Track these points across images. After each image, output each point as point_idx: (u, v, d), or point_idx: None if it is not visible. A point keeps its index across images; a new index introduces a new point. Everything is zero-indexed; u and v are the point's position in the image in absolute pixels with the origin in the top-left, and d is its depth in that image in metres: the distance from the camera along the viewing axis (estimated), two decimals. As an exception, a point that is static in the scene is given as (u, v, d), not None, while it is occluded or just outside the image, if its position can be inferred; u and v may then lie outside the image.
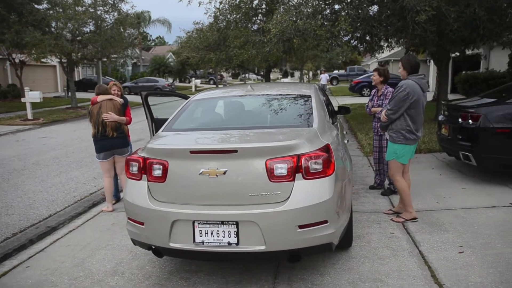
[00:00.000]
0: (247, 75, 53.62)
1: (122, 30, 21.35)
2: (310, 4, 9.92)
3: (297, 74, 63.66)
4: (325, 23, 9.42)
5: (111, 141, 5.72)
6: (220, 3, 13.49)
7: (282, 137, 3.47)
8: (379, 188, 6.23)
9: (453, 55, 11.47)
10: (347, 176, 3.81)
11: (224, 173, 3.22)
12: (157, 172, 3.41)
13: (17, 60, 24.45)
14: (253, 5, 13.08)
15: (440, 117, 7.17)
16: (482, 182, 6.23)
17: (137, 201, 3.47)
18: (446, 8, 8.23)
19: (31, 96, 17.24)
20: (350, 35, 9.99)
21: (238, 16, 12.80)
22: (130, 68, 53.01)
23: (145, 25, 52.66)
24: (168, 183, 3.37)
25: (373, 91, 6.24)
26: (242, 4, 12.52)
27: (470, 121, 6.03)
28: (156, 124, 6.49)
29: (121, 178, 6.03)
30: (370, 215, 5.21)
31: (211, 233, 3.23)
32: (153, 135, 6.48)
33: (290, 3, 11.26)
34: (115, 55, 22.96)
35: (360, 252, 4.19)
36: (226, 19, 13.21)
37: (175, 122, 4.18)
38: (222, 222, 3.20)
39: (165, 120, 6.24)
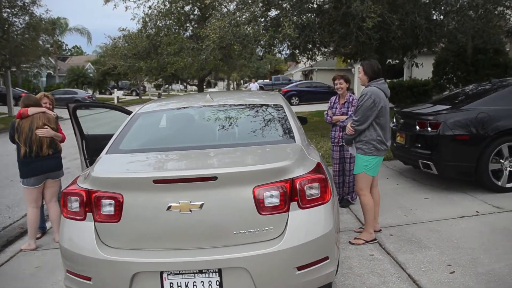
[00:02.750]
0: (171, 86, 52.10)
1: (35, 36, 19.37)
2: (246, 10, 9.45)
3: (220, 84, 63.29)
4: (268, 29, 8.96)
5: (45, 162, 4.70)
6: (150, 8, 12.59)
7: (269, 158, 2.85)
8: (340, 202, 5.83)
9: (393, 62, 11.68)
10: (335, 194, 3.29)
11: (201, 206, 2.52)
12: (108, 209, 2.61)
13: None
14: (185, 11, 12.36)
15: (393, 125, 6.99)
16: (442, 191, 6.08)
17: (80, 249, 2.64)
18: (388, 16, 8.18)
19: None
20: (292, 43, 9.65)
21: (169, 22, 11.98)
22: (44, 79, 49.09)
23: (61, 32, 49.18)
24: (124, 224, 2.59)
25: (333, 98, 5.84)
26: (173, 9, 11.74)
27: (429, 128, 5.85)
28: (87, 142, 5.55)
29: (49, 207, 5.00)
30: (341, 236, 4.74)
31: (186, 287, 2.51)
32: (84, 156, 5.51)
33: (225, 9, 10.71)
34: (26, 65, 20.79)
35: (345, 282, 3.67)
36: (156, 25, 12.32)
37: (123, 141, 3.37)
38: (201, 271, 2.50)
39: (99, 137, 5.34)
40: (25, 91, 35.62)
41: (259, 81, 49.45)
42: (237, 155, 2.93)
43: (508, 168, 5.72)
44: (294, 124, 3.39)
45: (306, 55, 11.05)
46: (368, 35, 8.25)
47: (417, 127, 6.08)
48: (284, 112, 3.59)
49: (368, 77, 4.32)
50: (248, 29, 8.40)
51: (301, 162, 2.76)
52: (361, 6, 7.44)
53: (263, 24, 9.07)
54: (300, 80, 37.15)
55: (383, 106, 4.17)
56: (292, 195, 2.59)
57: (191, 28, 12.51)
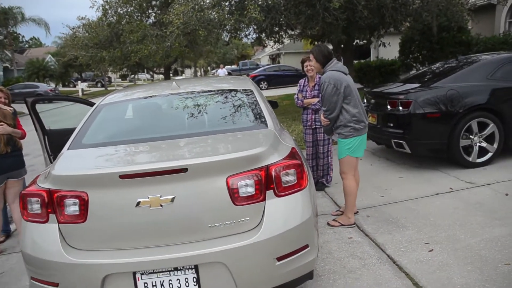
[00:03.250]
0: (137, 75, 50.83)
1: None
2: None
3: (187, 71, 62.28)
4: (233, 13, 8.73)
5: (4, 161, 4.40)
6: (109, -6, 12.06)
7: (242, 145, 2.71)
8: (316, 186, 5.77)
9: (361, 43, 11.66)
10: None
11: (172, 200, 2.36)
12: (72, 209, 2.42)
13: None
14: (146, -4, 11.92)
15: (363, 105, 6.96)
16: (415, 169, 6.12)
17: (44, 254, 2.44)
18: (354, -5, 8.10)
19: None
20: (258, 26, 9.45)
21: (131, 9, 11.52)
22: (1, 73, 46.98)
23: (15, 23, 46.90)
24: (90, 224, 2.40)
25: (302, 81, 5.73)
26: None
27: (401, 108, 5.84)
28: (50, 137, 5.26)
29: (12, 208, 4.71)
30: (319, 220, 4.69)
31: (162, 286, 2.36)
32: (48, 152, 5.22)
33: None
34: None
35: (325, 267, 3.61)
36: (117, 12, 11.83)
37: (85, 135, 3.15)
38: (176, 269, 2.35)
39: (63, 131, 5.04)
40: (-20, 87, 34.05)
41: (227, 67, 48.95)
42: (208, 144, 2.77)
43: (478, 144, 5.79)
44: (265, 109, 3.25)
45: (273, 38, 10.88)
46: (334, 15, 8.16)
47: (388, 107, 6.07)
48: (254, 97, 3.45)
49: (320, 63, 4.23)
50: (213, 14, 8.13)
51: (275, 148, 2.64)
52: (327, -14, 7.32)
53: (227, 8, 8.82)
54: (268, 65, 36.95)
55: (346, 86, 4.08)
56: (268, 183, 2.46)
57: (153, 14, 12.07)
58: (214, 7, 8.20)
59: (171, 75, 56.81)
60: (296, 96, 5.88)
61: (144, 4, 11.23)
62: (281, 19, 8.81)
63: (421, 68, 11.95)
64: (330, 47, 8.09)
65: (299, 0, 8.71)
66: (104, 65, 12.54)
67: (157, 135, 3.03)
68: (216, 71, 32.21)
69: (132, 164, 2.53)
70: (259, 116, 3.15)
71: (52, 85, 40.93)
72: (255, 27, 9.44)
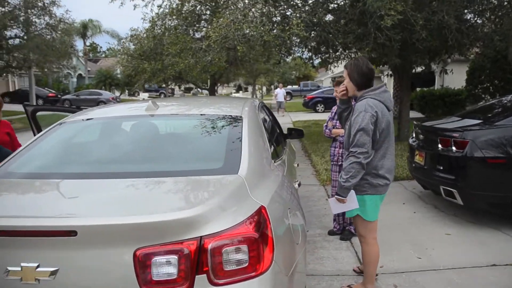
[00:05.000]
0: (199, 89, 51.80)
1: (54, 36, 19.12)
2: (258, 8, 8.53)
3: (251, 89, 62.57)
4: (275, 29, 8.02)
5: None
6: (159, 7, 11.86)
7: (174, 201, 1.89)
8: (340, 233, 4.80)
9: (419, 68, 10.46)
10: (298, 253, 2.29)
11: (53, 274, 1.60)
12: None
13: None
14: (196, 10, 11.56)
15: (412, 141, 5.88)
16: (468, 224, 4.94)
17: None
18: (412, 14, 7.06)
19: None
20: (303, 44, 8.65)
21: (177, 22, 11.21)
22: (74, 80, 49.93)
23: (94, 34, 49.80)
24: None
25: (335, 108, 4.83)
26: (183, 8, 10.97)
27: (454, 148, 4.74)
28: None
29: None
30: (332, 280, 3.73)
31: None
32: None
33: (237, 6, 9.81)
34: (54, 65, 20.58)
35: None
36: (164, 24, 11.59)
37: (18, 160, 2.51)
38: None
39: None
40: (53, 91, 36.15)
41: (288, 87, 48.35)
42: (132, 194, 1.98)
43: (555, 201, 4.53)
44: (249, 147, 2.42)
45: (320, 58, 10.00)
46: (387, 36, 7.16)
47: (439, 146, 4.97)
48: (240, 127, 2.62)
49: (355, 84, 3.08)
50: (254, 27, 7.45)
51: (228, 208, 1.80)
52: (378, 2, 6.36)
53: (270, 23, 8.11)
54: (329, 87, 35.92)
55: (385, 127, 3.00)
56: (200, 263, 1.62)
57: (201, 28, 11.71)
58: (252, 22, 7.53)
59: (233, 91, 56.97)
60: (325, 124, 4.99)
61: (189, 18, 10.86)
62: (328, 37, 7.93)
63: (489, 100, 10.50)
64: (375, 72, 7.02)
65: (350, 17, 7.82)
66: (145, 77, 12.34)
67: (90, 169, 2.33)
68: (275, 90, 31.61)
69: (12, 216, 1.78)
70: (232, 156, 2.32)
71: (117, 93, 42.62)
72: (298, 44, 8.65)
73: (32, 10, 18.20)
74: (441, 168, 4.94)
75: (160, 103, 3.14)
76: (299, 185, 3.20)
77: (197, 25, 11.67)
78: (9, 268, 1.61)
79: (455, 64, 12.93)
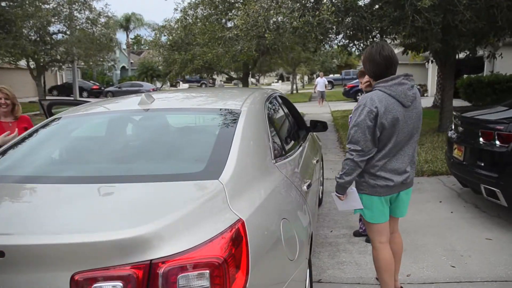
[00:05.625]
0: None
1: (95, 30, 19.53)
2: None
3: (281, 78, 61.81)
4: (306, 15, 7.58)
5: None
6: (190, -5, 11.69)
7: (124, 216, 1.61)
8: (366, 234, 4.42)
9: (462, 54, 9.66)
10: (292, 271, 1.98)
11: None
12: None
13: (-12, 64, 22.65)
14: (227, -1, 11.28)
15: (451, 133, 5.35)
16: (513, 228, 4.41)
17: None
18: (454, -7, 6.43)
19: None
20: (336, 30, 8.15)
21: (209, 11, 10.98)
22: (118, 72, 51.35)
23: (136, 27, 50.85)
24: None
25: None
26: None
27: (498, 142, 4.22)
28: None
29: None
30: (349, 291, 3.39)
31: None
32: None
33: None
34: (96, 59, 21.09)
35: None
36: (195, 14, 11.40)
37: (4, 157, 2.36)
38: None
39: None
40: (96, 84, 37.28)
41: (330, 76, 47.17)
42: (78, 205, 1.72)
43: None
44: (239, 144, 2.12)
45: (354, 45, 9.45)
46: (426, 18, 6.56)
47: (481, 139, 4.46)
48: (236, 122, 2.32)
49: (369, 74, 2.75)
50: (282, 13, 7.07)
51: (192, 224, 1.52)
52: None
53: (301, 9, 7.68)
54: (370, 75, 34.59)
55: (389, 121, 2.58)
56: None
57: (236, 17, 11.42)
58: (281, 7, 7.14)
59: (275, 81, 56.23)
60: (351, 116, 4.59)
61: (221, 6, 10.58)
62: (362, 22, 7.41)
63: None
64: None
65: (384, 0, 7.25)
66: (175, 68, 12.22)
67: (41, 172, 2.12)
68: (316, 79, 30.75)
69: None
70: (218, 157, 2.03)
71: (158, 85, 43.34)
72: (332, 32, 8.16)
73: (74, 6, 18.63)
74: (482, 164, 4.43)
75: (158, 96, 2.90)
76: (308, 186, 2.85)
77: (229, 14, 11.37)
78: None
79: (506, 48, 11.89)
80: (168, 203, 1.67)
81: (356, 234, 4.48)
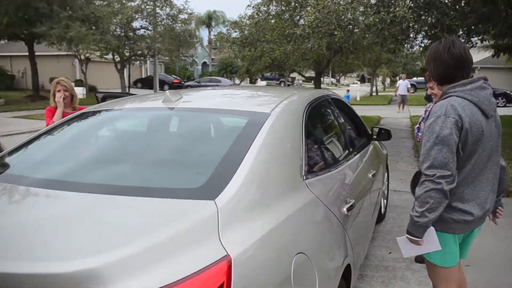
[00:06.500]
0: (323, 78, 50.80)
1: (175, 26, 20.28)
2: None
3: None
4: (380, 11, 6.99)
5: None
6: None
7: (86, 240, 1.33)
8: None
9: None
10: None
11: None
12: None
13: (82, 57, 24.53)
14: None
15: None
16: None
17: None
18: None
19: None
20: (414, 28, 7.44)
21: (282, 8, 10.68)
22: (199, 67, 53.20)
23: (218, 24, 52.23)
24: None
25: (428, 106, 3.86)
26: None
27: None
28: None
29: None
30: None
31: None
32: None
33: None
34: (180, 54, 22.00)
35: None
36: (268, 10, 11.19)
37: (19, 152, 2.26)
38: None
39: None
40: (178, 78, 38.82)
41: (413, 78, 44.54)
42: (44, 218, 1.49)
43: None
44: (255, 155, 1.78)
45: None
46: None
47: None
48: (258, 129, 1.98)
49: (432, 76, 2.24)
50: (353, 8, 6.57)
51: (164, 257, 1.24)
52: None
53: (376, 5, 7.10)
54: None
55: (473, 140, 2.04)
56: None
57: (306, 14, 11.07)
58: (352, 3, 6.63)
59: (356, 82, 54.76)
60: (417, 126, 4.05)
61: (293, 3, 10.23)
62: (444, 20, 6.65)
63: None
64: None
65: (473, -6, 6.43)
66: (244, 64, 12.10)
67: (38, 173, 1.94)
68: (398, 82, 29.04)
69: None
70: (224, 170, 1.71)
71: (237, 81, 44.13)
72: (409, 29, 7.45)
73: (156, 2, 19.47)
74: None
75: (187, 93, 2.66)
76: (349, 209, 2.39)
77: (303, 11, 11.01)
78: None
79: None
80: (144, 226, 1.39)
81: (418, 260, 3.91)
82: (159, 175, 1.85)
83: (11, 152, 2.25)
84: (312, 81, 49.74)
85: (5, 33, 18.19)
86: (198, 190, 1.60)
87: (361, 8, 6.77)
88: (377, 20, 6.74)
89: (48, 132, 2.45)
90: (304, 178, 2.04)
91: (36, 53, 21.62)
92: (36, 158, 2.23)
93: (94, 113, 2.62)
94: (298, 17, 11.19)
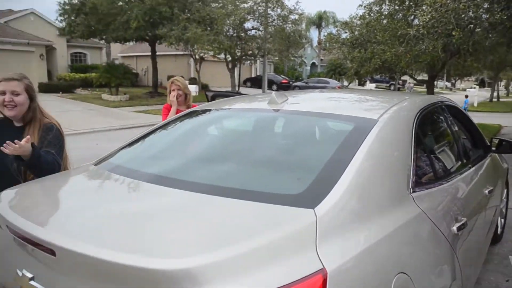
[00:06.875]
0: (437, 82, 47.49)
1: (285, 27, 20.55)
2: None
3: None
4: (510, 6, 6.26)
5: None
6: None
7: (182, 239, 1.38)
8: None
9: None
10: None
11: None
12: None
13: (197, 56, 26.18)
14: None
15: None
16: None
17: None
18: None
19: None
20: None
21: (395, 7, 10.17)
22: (308, 68, 53.26)
23: (328, 25, 51.69)
24: None
25: None
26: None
27: None
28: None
29: None
30: None
31: None
32: None
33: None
34: (289, 54, 22.35)
35: None
36: (380, 10, 10.72)
37: (133, 146, 2.47)
38: None
39: None
40: (286, 78, 39.24)
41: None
42: (151, 213, 1.57)
43: None
44: (359, 163, 1.71)
45: None
46: None
47: None
48: (364, 136, 1.90)
49: None
50: (472, 7, 5.99)
51: (256, 265, 1.24)
52: None
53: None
54: None
55: None
56: None
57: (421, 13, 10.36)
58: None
59: (474, 86, 50.18)
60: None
61: (408, 1, 9.65)
62: None
63: None
64: None
65: None
66: (354, 66, 11.69)
67: (171, 173, 2.00)
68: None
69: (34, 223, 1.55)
70: (326, 178, 1.66)
71: (346, 82, 43.23)
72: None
73: (268, 3, 19.91)
74: None
75: (292, 95, 2.67)
76: (459, 228, 2.17)
77: (418, 10, 10.38)
78: (18, 271, 1.49)
79: None
80: (241, 230, 1.41)
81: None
82: (260, 178, 1.87)
83: (126, 146, 2.47)
84: (424, 85, 46.58)
85: (133, 35, 20.12)
86: (298, 197, 1.58)
87: (486, 5, 6.12)
88: (505, 17, 6.04)
89: (159, 129, 2.64)
90: (411, 191, 1.90)
91: (157, 53, 23.61)
92: (146, 153, 2.40)
93: (203, 112, 2.75)
94: (412, 17, 10.56)
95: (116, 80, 19.78)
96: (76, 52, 30.02)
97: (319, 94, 3.28)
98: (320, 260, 1.28)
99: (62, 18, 20.78)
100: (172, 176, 1.91)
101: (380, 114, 2.09)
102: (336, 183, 1.58)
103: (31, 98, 2.48)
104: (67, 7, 20.12)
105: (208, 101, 4.89)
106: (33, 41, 22.67)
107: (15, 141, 2.07)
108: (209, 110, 2.75)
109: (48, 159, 2.28)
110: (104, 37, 21.56)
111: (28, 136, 2.15)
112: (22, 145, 2.10)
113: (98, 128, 12.55)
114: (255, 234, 1.36)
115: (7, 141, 2.08)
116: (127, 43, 25.98)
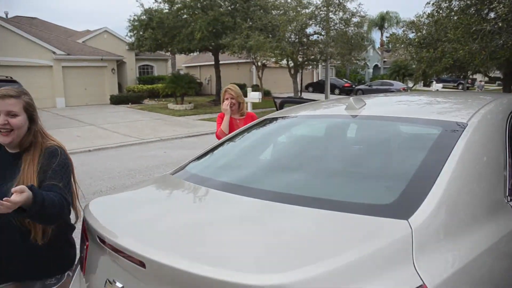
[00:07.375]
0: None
1: (347, 30, 20.17)
2: None
3: None
4: None
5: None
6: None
7: (271, 254, 1.33)
8: None
9: None
10: None
11: None
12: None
13: (259, 63, 26.48)
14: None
15: None
16: None
17: None
18: None
19: (252, 96, 17.93)
20: None
21: (467, 2, 9.57)
22: (371, 70, 51.92)
23: (390, 26, 50.11)
24: None
25: None
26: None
27: None
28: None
29: None
30: None
31: None
32: None
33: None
34: (352, 58, 21.98)
35: None
36: (450, 6, 10.11)
37: (212, 154, 2.50)
38: None
39: None
40: (348, 82, 38.50)
41: None
42: (234, 225, 1.54)
43: None
44: (452, 171, 1.58)
45: None
46: None
47: None
48: (454, 142, 1.77)
49: None
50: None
51: (348, 280, 1.18)
52: None
53: None
54: None
55: None
56: None
57: (501, 6, 9.59)
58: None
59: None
60: None
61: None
62: None
63: None
64: None
65: None
66: (422, 66, 11.07)
67: (258, 183, 1.96)
68: None
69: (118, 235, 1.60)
70: (417, 187, 1.55)
71: (410, 84, 41.54)
72: None
73: (330, 7, 19.66)
74: None
75: (370, 100, 2.57)
76: None
77: (495, 2, 9.70)
78: (108, 279, 1.55)
79: None
80: (333, 243, 1.34)
81: None
82: (346, 187, 1.81)
83: (201, 156, 2.50)
84: (497, 83, 43.57)
85: (197, 46, 20.77)
86: (388, 207, 1.49)
87: None
88: None
89: (232, 138, 2.65)
90: (509, 199, 1.75)
91: (220, 62, 24.17)
92: (220, 162, 2.42)
93: (279, 119, 2.72)
94: (486, 11, 9.91)
95: (181, 89, 20.49)
96: (143, 65, 31.58)
97: (397, 97, 3.13)
98: (419, 276, 1.19)
99: (131, 33, 21.95)
100: (255, 186, 1.89)
101: (469, 117, 1.95)
102: (429, 192, 1.47)
103: (32, 118, 1.91)
104: (136, 23, 21.19)
105: (277, 109, 4.83)
106: (105, 56, 24.17)
107: (5, 198, 1.46)
108: (285, 117, 2.71)
109: (54, 200, 1.70)
110: (169, 49, 22.47)
111: (22, 186, 1.56)
112: (16, 201, 1.49)
113: (165, 136, 13.02)
114: (347, 247, 1.29)
115: None
116: (191, 54, 26.84)
